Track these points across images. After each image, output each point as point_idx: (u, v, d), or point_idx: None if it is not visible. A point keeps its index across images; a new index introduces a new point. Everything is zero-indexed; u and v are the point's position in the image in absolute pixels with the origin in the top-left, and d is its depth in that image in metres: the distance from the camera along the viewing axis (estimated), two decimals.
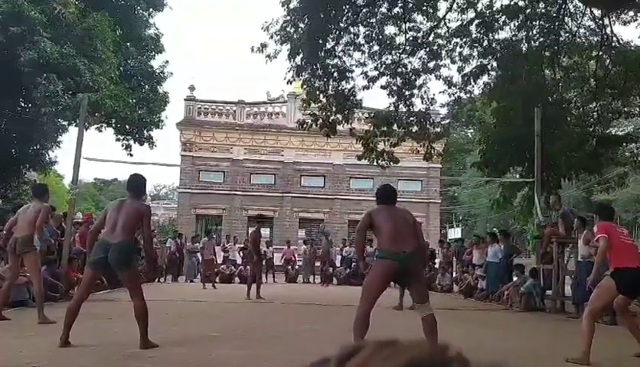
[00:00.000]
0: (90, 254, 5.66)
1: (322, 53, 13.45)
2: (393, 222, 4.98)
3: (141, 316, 5.42)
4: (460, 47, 14.19)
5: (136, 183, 6.02)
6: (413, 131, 15.19)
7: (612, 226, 6.03)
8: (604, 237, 5.71)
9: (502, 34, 14.11)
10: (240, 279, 17.58)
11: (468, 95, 15.17)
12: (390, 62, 14.42)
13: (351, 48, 13.98)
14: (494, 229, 20.62)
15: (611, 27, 13.76)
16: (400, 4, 13.66)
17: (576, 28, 14.18)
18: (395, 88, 14.64)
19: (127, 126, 19.81)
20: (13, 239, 7.51)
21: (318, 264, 20.76)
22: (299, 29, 12.69)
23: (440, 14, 14.13)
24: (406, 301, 8.85)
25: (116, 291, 10.49)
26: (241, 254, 17.40)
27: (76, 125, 13.86)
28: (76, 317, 5.45)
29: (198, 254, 18.47)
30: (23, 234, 7.41)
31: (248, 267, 13.96)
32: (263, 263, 14.38)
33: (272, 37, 12.76)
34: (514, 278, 12.08)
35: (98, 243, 5.56)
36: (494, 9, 13.66)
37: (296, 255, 21.83)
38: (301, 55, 12.99)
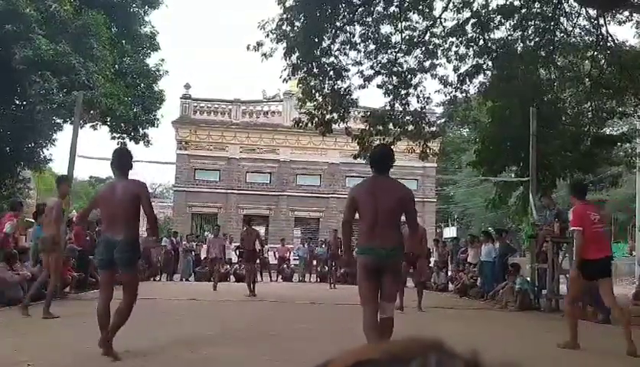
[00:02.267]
0: (96, 254, 5.46)
1: (318, 52, 13.45)
2: (374, 210, 4.43)
3: (123, 313, 5.01)
4: (456, 47, 14.22)
5: (123, 160, 5.38)
6: (409, 130, 15.21)
7: (586, 212, 6.21)
8: (579, 231, 6.04)
9: (498, 34, 14.15)
10: (236, 278, 17.58)
11: (463, 95, 15.18)
12: (386, 61, 14.43)
13: (347, 47, 13.98)
14: (489, 228, 20.66)
15: (606, 27, 13.81)
16: (396, 4, 13.67)
17: (571, 28, 14.22)
18: (391, 87, 14.66)
19: (122, 124, 19.72)
20: (42, 237, 7.76)
21: (314, 262, 20.78)
22: (295, 27, 12.68)
23: (436, 13, 14.16)
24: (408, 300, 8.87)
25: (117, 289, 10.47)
26: (237, 252, 17.39)
27: (71, 123, 13.82)
28: (109, 318, 4.93)
29: (193, 252, 18.46)
30: (48, 232, 7.60)
31: (243, 265, 14.68)
32: (257, 261, 14.46)
33: (268, 35, 12.75)
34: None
35: (102, 241, 5.24)
36: (490, 9, 13.68)
37: (291, 254, 21.84)
38: (297, 53, 12.98)
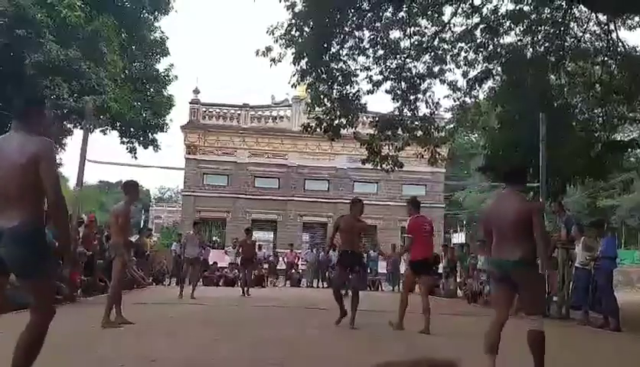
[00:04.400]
0: None
1: (327, 57, 13.45)
2: (498, 224, 4.67)
3: (31, 343, 3.53)
4: (465, 52, 14.17)
5: (29, 101, 3.64)
6: (418, 135, 15.17)
7: (419, 223, 8.14)
8: (410, 238, 8.04)
9: (507, 39, 14.08)
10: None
11: (472, 100, 15.13)
12: (395, 66, 14.40)
13: (356, 52, 13.97)
14: None
15: (616, 33, 13.71)
16: (405, 9, 13.64)
17: (581, 33, 14.13)
18: (399, 92, 14.62)
19: (132, 129, 19.85)
20: (109, 245, 7.87)
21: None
22: (304, 33, 12.68)
23: (445, 18, 14.11)
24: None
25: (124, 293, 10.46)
26: (237, 259, 17.49)
27: (81, 128, 13.91)
28: None
29: (201, 257, 18.43)
30: (113, 239, 7.65)
31: (247, 271, 14.65)
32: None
33: (277, 40, 12.76)
34: None
35: None
36: (500, 14, 13.62)
37: (299, 259, 21.81)
38: (305, 59, 12.98)
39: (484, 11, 13.71)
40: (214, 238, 30.39)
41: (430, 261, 8.75)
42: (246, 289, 13.97)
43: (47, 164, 3.27)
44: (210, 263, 19.65)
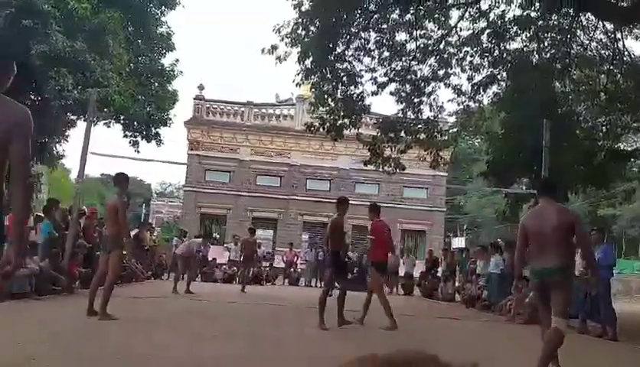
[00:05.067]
0: None
1: (332, 57, 13.44)
2: (538, 233, 4.91)
3: None
4: (471, 56, 14.15)
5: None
6: (421, 138, 15.16)
7: (381, 227, 8.60)
8: (373, 239, 8.62)
9: (513, 45, 14.06)
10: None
11: (477, 105, 15.11)
12: (400, 68, 14.40)
13: (361, 53, 13.96)
14: (498, 240, 20.51)
15: (623, 42, 13.68)
16: (411, 11, 13.63)
17: (587, 41, 14.10)
18: (404, 94, 14.62)
19: (135, 123, 19.84)
20: (104, 237, 7.77)
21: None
22: (310, 32, 12.68)
23: (452, 22, 14.11)
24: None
25: (122, 286, 10.44)
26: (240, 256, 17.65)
27: (84, 120, 13.91)
28: None
29: (200, 253, 18.45)
30: (110, 232, 7.59)
31: (247, 268, 15.53)
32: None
33: (282, 39, 12.77)
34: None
35: None
36: (506, 19, 13.60)
37: (298, 258, 21.81)
38: (311, 58, 12.98)
39: (491, 15, 13.70)
40: (214, 235, 30.39)
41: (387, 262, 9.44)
42: (243, 286, 14.53)
43: (19, 132, 2.64)
44: (210, 259, 19.68)
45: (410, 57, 14.31)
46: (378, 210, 8.79)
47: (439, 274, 17.80)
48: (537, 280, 4.91)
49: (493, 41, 13.71)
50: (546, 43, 13.97)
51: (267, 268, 20.28)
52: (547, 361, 4.55)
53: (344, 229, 8.34)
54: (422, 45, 14.19)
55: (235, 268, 18.76)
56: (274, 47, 12.84)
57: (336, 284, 8.27)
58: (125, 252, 8.23)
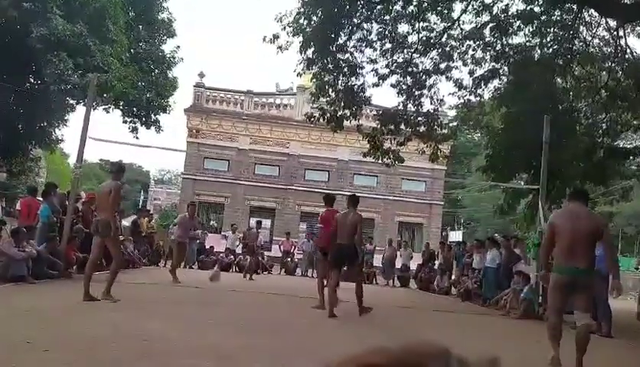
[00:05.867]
0: None
1: (334, 48, 13.40)
2: (570, 234, 5.19)
3: None
4: (473, 50, 14.12)
5: None
6: (420, 131, 15.14)
7: (331, 215, 8.69)
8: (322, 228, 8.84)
9: (516, 39, 14.02)
10: (239, 268, 17.64)
11: (477, 99, 15.08)
12: (402, 60, 14.36)
13: (363, 44, 13.92)
14: (495, 235, 20.55)
15: (625, 39, 13.65)
16: (414, 3, 13.58)
17: (590, 38, 14.07)
18: (405, 87, 14.58)
19: (135, 109, 19.81)
20: (95, 221, 7.67)
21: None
22: (312, 22, 12.63)
23: (455, 15, 14.05)
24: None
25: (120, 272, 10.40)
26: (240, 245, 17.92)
27: (84, 105, 13.85)
28: None
29: (198, 240, 18.47)
30: (102, 216, 7.50)
31: (248, 257, 15.85)
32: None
33: (284, 28, 12.71)
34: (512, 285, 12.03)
35: None
36: (510, 13, 13.56)
37: (295, 248, 21.83)
38: (312, 48, 12.94)
39: (495, 9, 13.66)
40: (212, 223, 30.41)
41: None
42: (248, 275, 14.99)
43: None
44: (207, 247, 19.72)
45: (412, 50, 14.27)
46: (330, 200, 9.24)
47: (435, 267, 17.86)
48: (564, 278, 5.21)
49: (495, 35, 13.68)
50: (548, 39, 13.94)
51: (263, 258, 20.30)
52: (584, 352, 4.98)
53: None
54: (424, 37, 14.15)
55: (232, 257, 18.80)
56: (276, 36, 12.80)
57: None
58: (122, 238, 8.27)
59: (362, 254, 9.38)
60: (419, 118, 15.08)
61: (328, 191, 30.68)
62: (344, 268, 8.56)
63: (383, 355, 0.44)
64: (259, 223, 17.45)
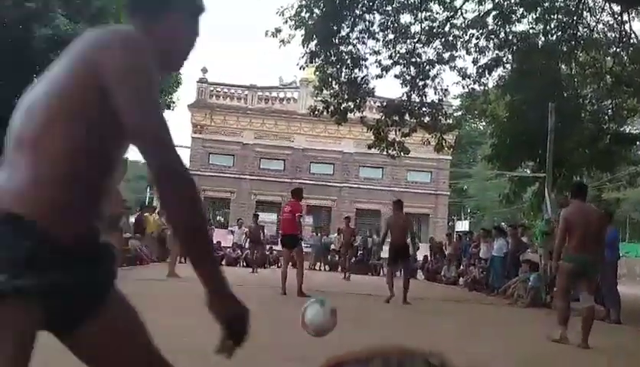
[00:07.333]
0: None
1: (336, 40, 13.36)
2: (583, 228, 5.86)
3: None
4: (476, 39, 14.01)
5: None
6: (425, 121, 15.09)
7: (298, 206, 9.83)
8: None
9: (519, 27, 13.94)
10: (246, 263, 17.71)
11: (482, 88, 15.02)
12: (405, 51, 14.29)
13: (366, 36, 13.87)
14: (502, 223, 20.53)
15: (630, 24, 13.56)
16: None
17: (594, 23, 13.98)
18: (408, 77, 14.52)
19: None
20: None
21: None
22: (314, 14, 12.60)
23: (457, 4, 13.96)
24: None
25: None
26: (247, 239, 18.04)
27: None
28: None
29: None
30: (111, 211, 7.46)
31: (256, 251, 16.92)
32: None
33: (286, 21, 12.70)
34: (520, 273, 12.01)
35: None
36: (512, 1, 13.46)
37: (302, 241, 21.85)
38: (315, 41, 12.91)
39: None
40: (218, 218, 30.48)
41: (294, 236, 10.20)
42: (255, 268, 15.97)
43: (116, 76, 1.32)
44: (214, 243, 19.80)
45: (415, 40, 14.21)
46: (297, 193, 10.30)
47: (445, 257, 17.84)
48: (574, 266, 5.83)
49: (499, 23, 13.58)
50: (552, 25, 13.84)
51: (269, 252, 20.34)
52: (589, 332, 5.69)
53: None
54: (427, 27, 14.08)
55: (239, 251, 18.85)
56: (278, 30, 12.78)
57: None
58: (127, 235, 8.27)
59: (414, 251, 10.37)
60: (424, 109, 15.02)
61: (333, 184, 30.75)
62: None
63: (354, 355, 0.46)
64: (255, 216, 18.31)
